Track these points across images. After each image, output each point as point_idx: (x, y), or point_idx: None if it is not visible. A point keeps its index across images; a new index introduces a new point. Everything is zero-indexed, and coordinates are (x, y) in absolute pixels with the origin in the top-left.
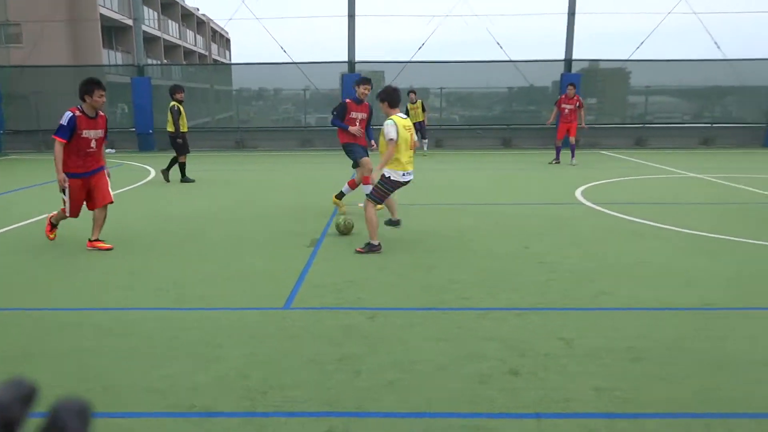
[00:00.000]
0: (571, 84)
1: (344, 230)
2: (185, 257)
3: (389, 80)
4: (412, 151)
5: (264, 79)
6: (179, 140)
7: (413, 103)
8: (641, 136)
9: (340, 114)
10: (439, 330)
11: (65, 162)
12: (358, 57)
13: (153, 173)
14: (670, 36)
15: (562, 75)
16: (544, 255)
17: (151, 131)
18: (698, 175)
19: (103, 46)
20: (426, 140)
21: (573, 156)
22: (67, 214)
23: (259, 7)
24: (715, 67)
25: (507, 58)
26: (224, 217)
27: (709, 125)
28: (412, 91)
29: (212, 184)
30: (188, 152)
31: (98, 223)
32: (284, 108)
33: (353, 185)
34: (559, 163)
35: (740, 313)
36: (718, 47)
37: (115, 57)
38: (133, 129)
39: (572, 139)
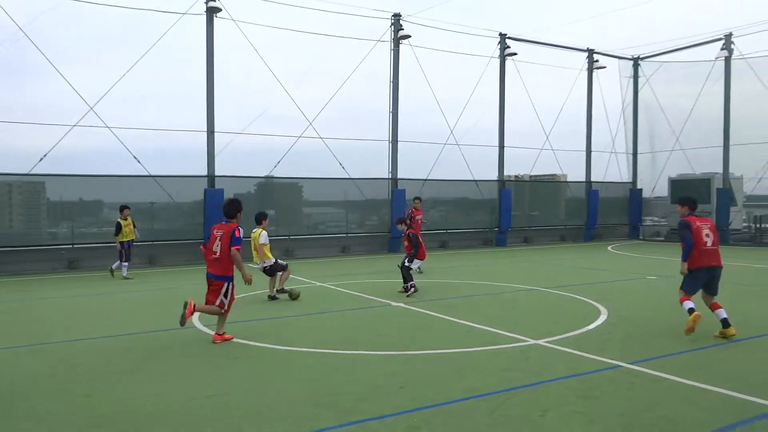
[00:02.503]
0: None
1: None
2: None
3: None
4: None
5: None
6: None
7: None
8: (288, 247)
9: None
10: None
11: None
12: None
13: None
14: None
15: (206, 190)
16: None
17: None
18: (324, 284)
19: None
20: None
21: None
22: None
23: None
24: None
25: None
26: None
27: (345, 234)
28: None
29: None
30: None
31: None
32: None
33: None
34: None
35: None
36: (344, 168)
37: None
38: None
39: None
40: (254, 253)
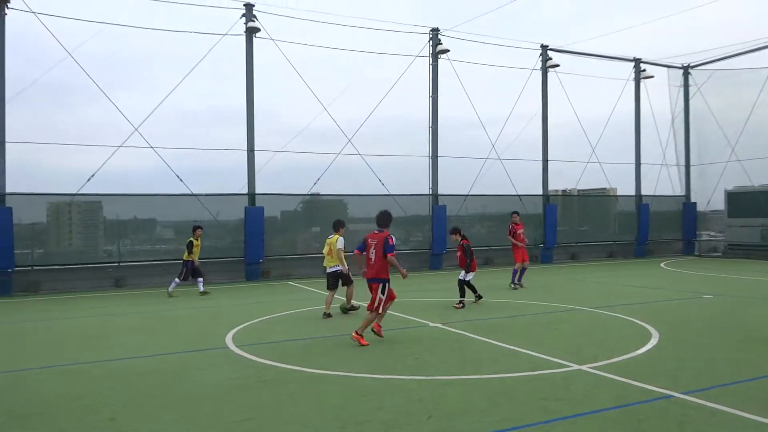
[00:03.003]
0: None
1: None
2: None
3: None
4: None
5: None
6: None
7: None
8: None
9: None
10: None
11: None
12: None
13: None
14: (344, 173)
15: (246, 208)
16: None
17: None
18: (362, 303)
19: None
20: None
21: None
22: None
23: None
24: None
25: None
26: None
27: None
28: None
29: None
30: None
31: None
32: None
33: None
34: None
35: None
36: (383, 184)
37: None
38: None
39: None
40: (327, 257)
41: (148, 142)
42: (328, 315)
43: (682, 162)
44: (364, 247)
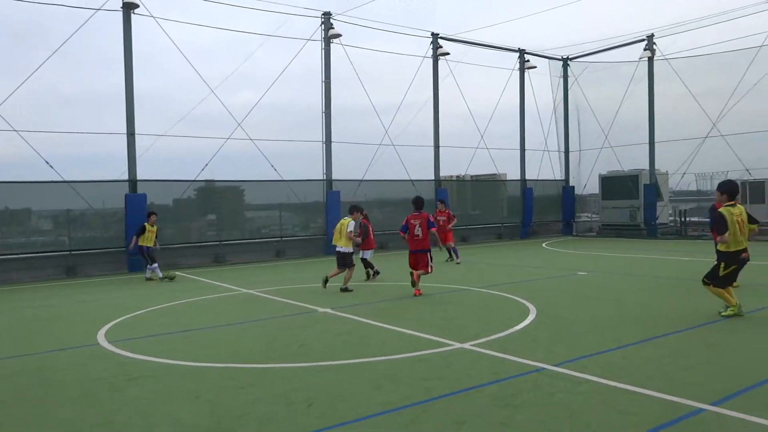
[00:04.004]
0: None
1: None
2: None
3: None
4: None
5: None
6: None
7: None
8: (219, 253)
9: None
10: None
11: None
12: None
13: None
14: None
15: (126, 196)
16: None
17: None
18: (251, 291)
19: None
20: None
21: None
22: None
23: None
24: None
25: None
26: None
27: (280, 239)
28: None
29: None
30: None
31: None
32: None
33: None
34: None
35: None
36: (276, 170)
37: None
38: None
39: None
40: (336, 235)
41: (10, 124)
42: (346, 290)
43: (563, 148)
44: (407, 228)
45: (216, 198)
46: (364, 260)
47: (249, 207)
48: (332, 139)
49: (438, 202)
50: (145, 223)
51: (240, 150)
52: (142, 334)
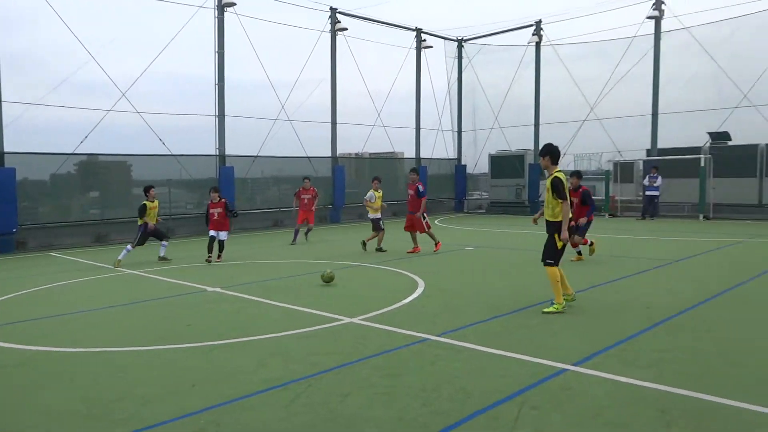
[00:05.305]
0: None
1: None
2: None
3: None
4: None
5: None
6: None
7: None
8: (102, 232)
9: None
10: None
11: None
12: None
13: None
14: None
15: None
16: None
17: None
18: (134, 271)
19: None
20: None
21: None
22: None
23: None
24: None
25: None
26: None
27: (169, 217)
28: None
29: None
30: None
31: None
32: None
33: None
34: None
35: None
36: (164, 144)
37: None
38: None
39: None
40: (367, 205)
41: None
42: (380, 249)
43: (456, 128)
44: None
45: (100, 174)
46: (221, 242)
47: (137, 183)
48: (225, 113)
49: (304, 179)
50: (145, 201)
51: (126, 122)
52: (14, 320)
